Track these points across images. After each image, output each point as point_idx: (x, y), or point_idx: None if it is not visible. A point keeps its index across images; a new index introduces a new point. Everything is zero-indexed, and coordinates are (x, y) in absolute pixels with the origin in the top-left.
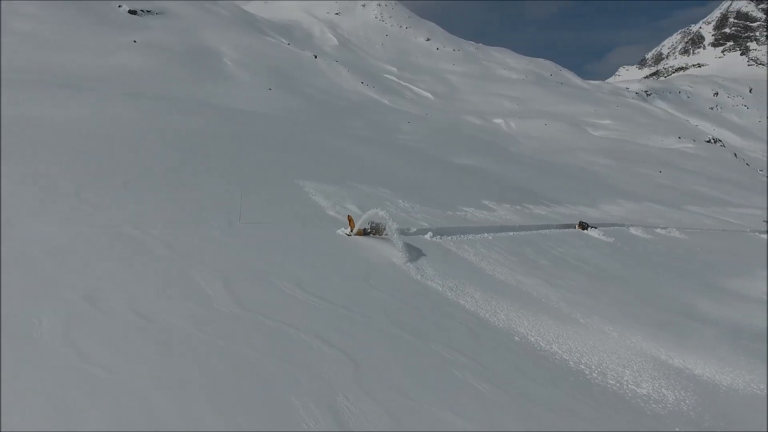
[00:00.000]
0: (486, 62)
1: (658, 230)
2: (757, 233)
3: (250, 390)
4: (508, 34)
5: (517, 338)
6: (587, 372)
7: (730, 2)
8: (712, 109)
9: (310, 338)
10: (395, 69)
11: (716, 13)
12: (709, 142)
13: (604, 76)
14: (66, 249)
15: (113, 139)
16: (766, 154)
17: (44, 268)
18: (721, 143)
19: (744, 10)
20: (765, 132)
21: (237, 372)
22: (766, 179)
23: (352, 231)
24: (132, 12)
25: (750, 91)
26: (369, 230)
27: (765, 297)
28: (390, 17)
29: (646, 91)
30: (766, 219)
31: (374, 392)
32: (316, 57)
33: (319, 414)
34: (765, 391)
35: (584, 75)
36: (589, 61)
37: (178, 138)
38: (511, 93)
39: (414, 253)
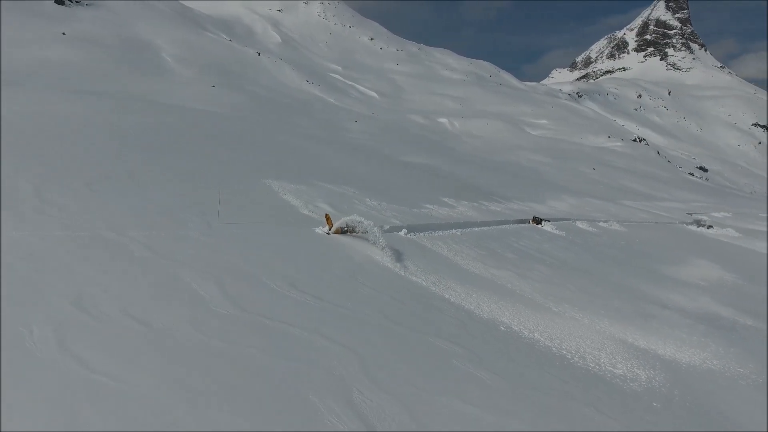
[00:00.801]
0: (428, 62)
1: (601, 224)
2: (684, 225)
3: (266, 392)
4: (448, 35)
5: (502, 328)
6: (569, 356)
7: (650, 11)
8: (636, 110)
9: (312, 336)
10: (340, 68)
11: (638, 21)
12: (635, 140)
13: (538, 78)
14: (42, 254)
15: (65, 138)
16: (685, 153)
17: (22, 274)
18: (645, 142)
19: (662, 18)
20: (683, 131)
21: (248, 374)
22: (686, 175)
23: (330, 230)
24: (59, 2)
25: (669, 94)
26: (346, 229)
27: (701, 282)
28: (333, 16)
29: (577, 93)
30: (690, 212)
31: (385, 385)
32: (259, 54)
33: (340, 410)
34: (718, 365)
35: (520, 76)
36: (525, 63)
37: (133, 137)
38: (454, 93)
39: (393, 250)
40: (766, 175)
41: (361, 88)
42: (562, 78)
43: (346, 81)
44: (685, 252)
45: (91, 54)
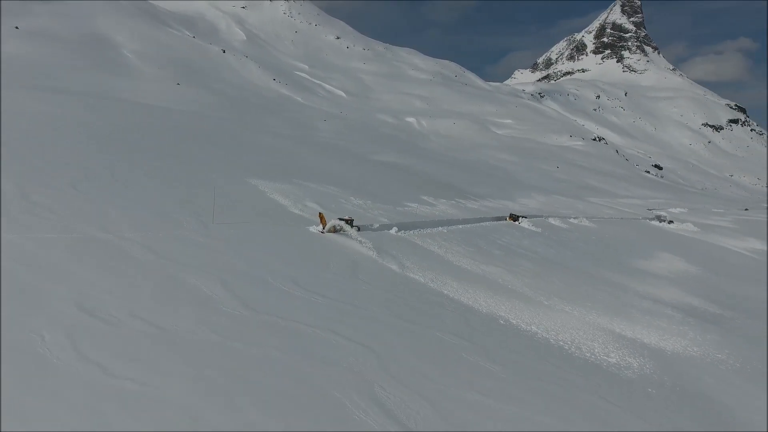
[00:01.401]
0: (395, 62)
1: (572, 220)
2: (647, 220)
3: (291, 390)
4: (413, 35)
5: (501, 321)
6: (566, 347)
7: (607, 14)
8: (595, 110)
9: (326, 334)
10: (306, 66)
11: (596, 24)
12: (594, 140)
13: (501, 78)
14: (39, 257)
15: (41, 138)
16: (641, 151)
17: (23, 279)
18: (604, 141)
19: (618, 22)
20: (639, 131)
21: (270, 373)
22: (643, 173)
23: (324, 228)
24: None
25: (625, 95)
26: (339, 228)
27: (669, 275)
28: (299, 14)
29: (539, 93)
30: (650, 208)
31: (403, 379)
32: (224, 51)
33: (365, 405)
34: (698, 351)
35: (484, 77)
36: (487, 64)
37: (109, 136)
38: (420, 92)
39: (386, 247)
40: (715, 173)
41: (329, 87)
42: (524, 78)
43: (313, 80)
44: (650, 246)
45: (48, 49)
